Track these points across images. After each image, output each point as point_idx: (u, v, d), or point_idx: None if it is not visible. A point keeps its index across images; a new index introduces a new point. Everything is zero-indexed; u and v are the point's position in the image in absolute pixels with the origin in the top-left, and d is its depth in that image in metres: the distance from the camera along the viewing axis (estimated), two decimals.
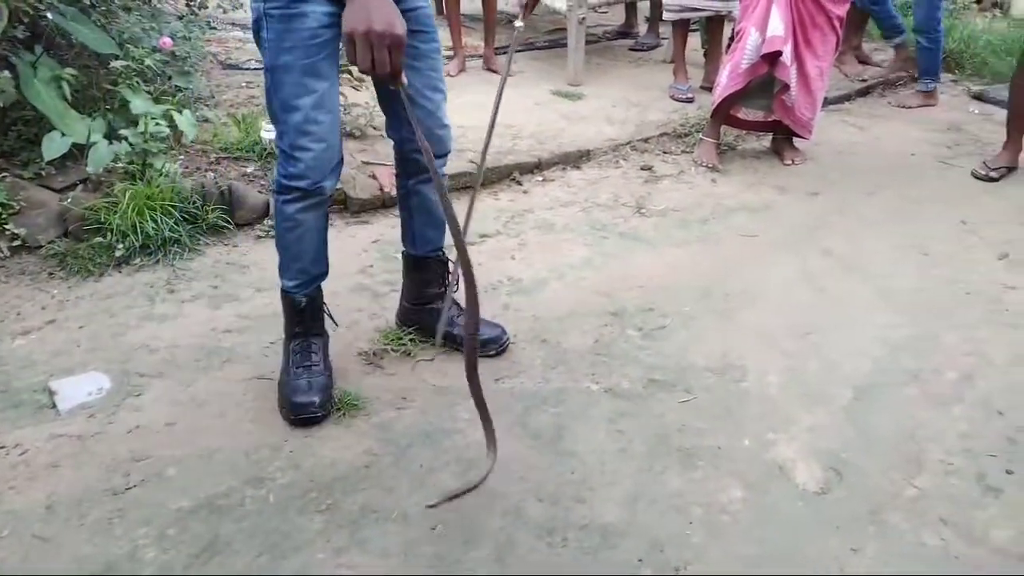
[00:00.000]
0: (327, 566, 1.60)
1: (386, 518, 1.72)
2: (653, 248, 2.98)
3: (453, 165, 3.31)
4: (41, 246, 2.69)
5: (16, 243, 2.66)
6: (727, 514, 1.76)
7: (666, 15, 4.39)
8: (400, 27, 1.52)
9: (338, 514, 1.73)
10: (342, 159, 2.00)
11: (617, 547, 1.66)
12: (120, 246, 2.69)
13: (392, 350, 2.29)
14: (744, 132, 3.96)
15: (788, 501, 1.80)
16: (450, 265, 2.32)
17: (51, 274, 2.63)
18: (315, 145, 1.88)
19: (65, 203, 2.74)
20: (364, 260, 2.80)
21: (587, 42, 5.17)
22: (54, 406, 2.04)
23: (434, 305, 2.28)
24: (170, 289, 2.60)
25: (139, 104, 2.91)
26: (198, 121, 3.40)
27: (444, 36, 4.20)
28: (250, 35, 2.05)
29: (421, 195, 2.16)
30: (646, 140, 3.87)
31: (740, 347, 2.37)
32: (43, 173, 2.88)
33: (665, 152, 3.82)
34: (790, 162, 3.72)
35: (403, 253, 2.29)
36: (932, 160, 3.81)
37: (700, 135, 3.79)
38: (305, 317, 2.11)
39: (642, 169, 3.62)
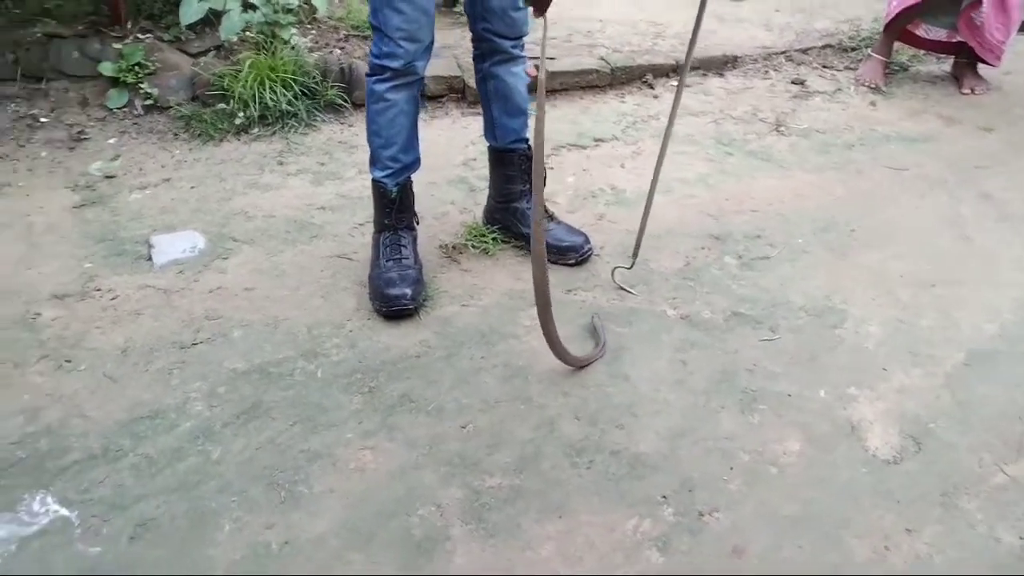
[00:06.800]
0: (352, 446, 1.62)
1: (421, 409, 1.71)
2: (781, 170, 2.72)
3: (579, 60, 3.16)
4: (171, 107, 2.82)
5: (149, 102, 2.81)
6: (776, 466, 1.61)
7: None
8: None
9: (377, 398, 1.74)
10: (433, 40, 1.94)
11: (644, 479, 1.57)
12: (240, 114, 2.78)
13: (473, 246, 2.24)
14: (922, 52, 3.49)
15: (850, 465, 1.62)
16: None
17: (176, 135, 2.76)
18: (407, 25, 1.85)
19: (196, 68, 2.85)
20: (469, 153, 2.74)
21: None
22: (150, 259, 2.16)
23: (519, 204, 2.20)
24: (280, 161, 2.67)
25: None
26: None
27: None
28: None
29: (498, 79, 2.06)
30: (805, 51, 3.51)
31: (848, 289, 2.14)
32: (182, 37, 2.99)
33: (824, 66, 3.44)
34: (969, 91, 3.26)
35: (488, 147, 2.21)
36: None
37: (868, 50, 3.38)
38: (395, 209, 2.07)
39: (792, 83, 3.29)
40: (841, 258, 2.28)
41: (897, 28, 3.25)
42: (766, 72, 3.37)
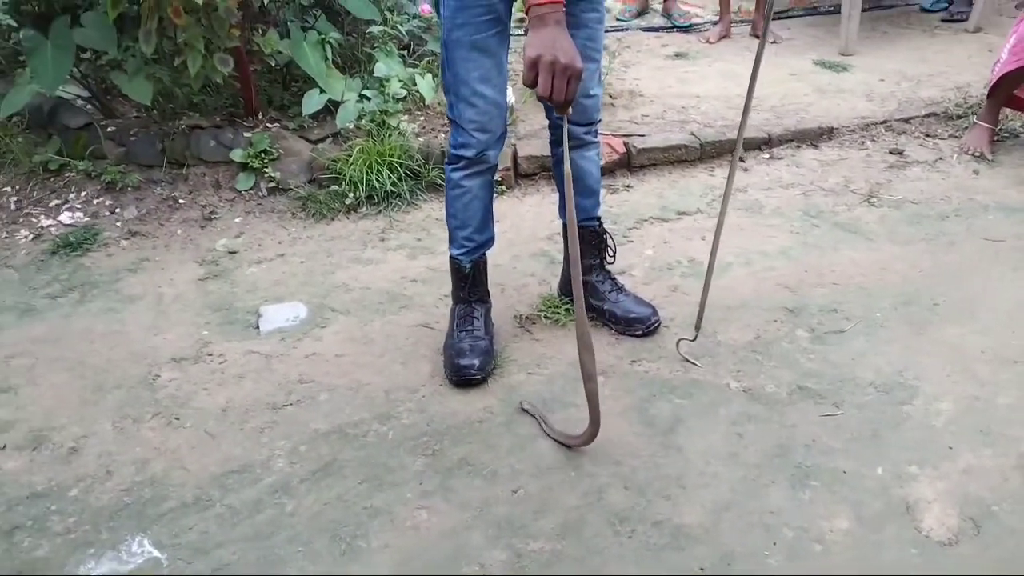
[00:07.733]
0: (411, 505, 1.75)
1: (477, 472, 1.83)
2: (867, 242, 2.69)
3: (668, 136, 3.26)
4: (291, 188, 3.13)
5: (272, 185, 3.13)
6: (820, 544, 1.61)
7: None
8: (580, 62, 1.58)
9: (439, 460, 1.87)
10: (506, 131, 2.11)
11: (683, 550, 1.60)
12: (350, 195, 3.05)
13: (545, 317, 2.36)
14: None
15: (900, 545, 1.59)
16: (608, 240, 2.33)
17: (293, 214, 3.06)
18: (480, 117, 2.01)
19: (314, 153, 3.16)
20: (555, 227, 2.88)
21: (883, 7, 4.69)
22: (258, 327, 2.42)
23: (589, 277, 2.31)
24: (382, 237, 2.90)
25: (383, 67, 3.24)
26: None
27: None
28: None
29: (571, 163, 2.18)
30: (907, 120, 3.45)
31: (923, 365, 2.10)
32: (304, 126, 3.33)
33: (927, 135, 3.37)
34: None
35: (563, 224, 2.34)
36: None
37: (974, 118, 3.29)
38: (469, 283, 2.23)
39: (890, 153, 3.25)
40: (919, 333, 2.23)
41: (1003, 93, 3.15)
42: (863, 143, 3.34)
